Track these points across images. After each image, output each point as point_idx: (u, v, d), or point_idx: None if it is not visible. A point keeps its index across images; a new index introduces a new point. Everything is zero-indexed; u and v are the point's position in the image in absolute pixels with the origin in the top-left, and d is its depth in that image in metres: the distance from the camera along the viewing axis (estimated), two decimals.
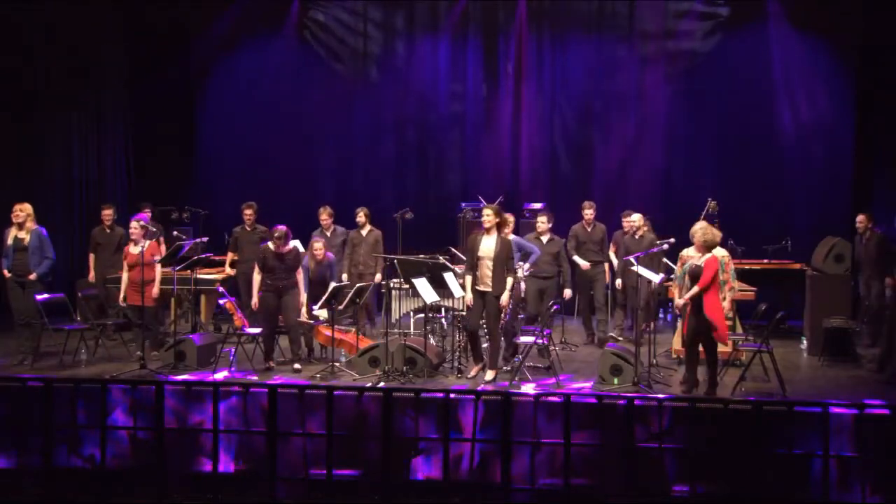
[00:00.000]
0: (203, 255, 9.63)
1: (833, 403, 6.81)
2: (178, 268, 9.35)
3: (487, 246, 8.29)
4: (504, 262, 8.25)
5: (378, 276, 10.31)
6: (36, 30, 12.16)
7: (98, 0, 12.71)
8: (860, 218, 10.23)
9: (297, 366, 8.85)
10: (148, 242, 9.15)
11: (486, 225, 8.32)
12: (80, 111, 12.89)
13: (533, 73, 13.49)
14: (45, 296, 9.09)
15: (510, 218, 9.40)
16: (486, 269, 8.26)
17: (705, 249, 7.90)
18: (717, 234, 8.04)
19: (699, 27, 13.14)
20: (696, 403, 7.00)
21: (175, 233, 10.31)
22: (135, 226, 9.20)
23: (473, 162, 13.75)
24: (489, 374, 8.39)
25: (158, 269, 9.28)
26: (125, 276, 9.23)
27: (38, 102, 12.36)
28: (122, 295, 9.27)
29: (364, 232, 10.48)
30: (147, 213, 10.50)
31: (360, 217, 10.51)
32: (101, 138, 13.14)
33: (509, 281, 8.28)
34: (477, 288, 8.33)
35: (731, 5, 13.01)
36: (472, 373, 8.51)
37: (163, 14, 13.18)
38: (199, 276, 9.87)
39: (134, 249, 9.17)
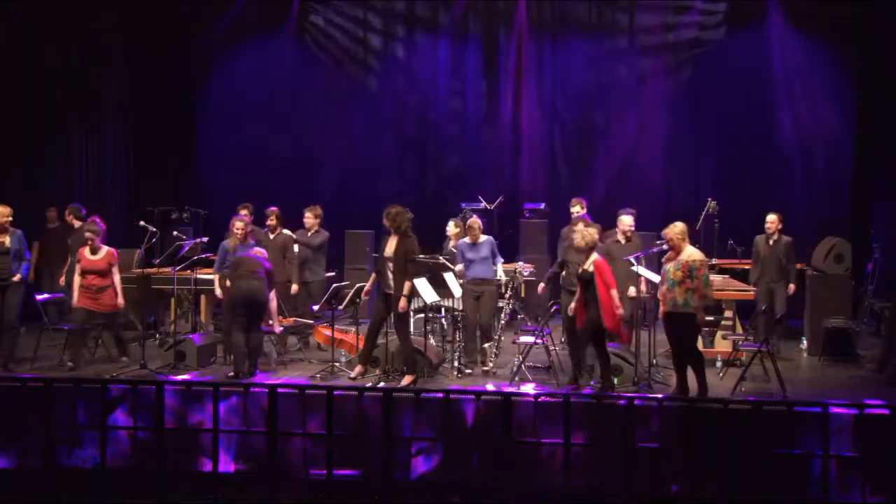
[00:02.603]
0: (203, 255, 9.62)
1: (833, 403, 6.81)
2: (178, 268, 9.36)
3: (389, 248, 8.33)
4: (402, 263, 8.20)
5: (294, 287, 9.78)
6: (36, 30, 12.16)
7: (98, 1, 12.71)
8: (771, 218, 9.78)
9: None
10: (106, 248, 8.97)
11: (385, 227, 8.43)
12: (80, 111, 12.90)
13: (533, 73, 13.50)
14: (45, 296, 9.08)
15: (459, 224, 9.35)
16: (388, 270, 8.29)
17: (589, 251, 7.90)
18: (594, 234, 8.03)
19: (699, 26, 13.15)
20: (696, 403, 7.00)
21: (175, 233, 10.31)
22: (90, 235, 8.92)
23: (473, 162, 13.77)
24: (405, 380, 8.27)
25: (118, 276, 9.04)
26: (78, 279, 8.90)
27: (39, 103, 12.37)
28: (75, 298, 8.91)
29: (272, 236, 9.88)
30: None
31: (271, 220, 9.90)
32: (101, 138, 13.16)
33: (407, 285, 8.20)
34: (383, 290, 8.37)
35: (731, 5, 13.02)
36: (353, 373, 8.36)
37: (163, 14, 13.18)
38: (199, 276, 9.86)
39: (90, 255, 8.92)
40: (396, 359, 8.64)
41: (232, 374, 8.48)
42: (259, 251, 8.96)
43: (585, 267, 7.91)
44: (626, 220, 9.21)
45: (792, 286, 9.71)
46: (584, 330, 7.98)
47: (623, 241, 9.19)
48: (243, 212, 10.14)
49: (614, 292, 7.83)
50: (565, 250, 8.84)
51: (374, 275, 8.69)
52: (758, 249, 9.87)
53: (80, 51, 12.76)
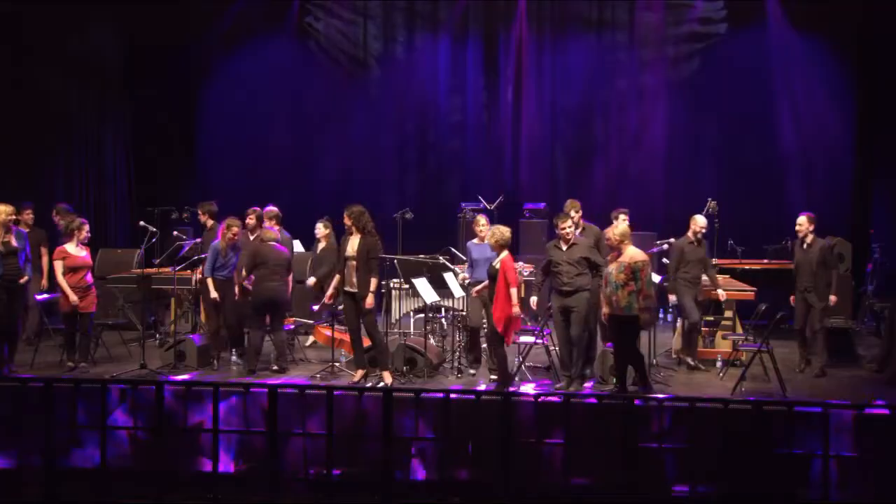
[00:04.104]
0: (203, 255, 9.61)
1: (833, 404, 6.80)
2: (178, 268, 9.35)
3: (352, 247, 8.33)
4: (365, 262, 8.23)
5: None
6: (37, 30, 12.16)
7: (99, 1, 12.72)
8: (800, 221, 9.00)
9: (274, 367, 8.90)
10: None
11: (346, 226, 8.43)
12: (81, 111, 12.90)
13: (533, 73, 13.51)
14: (45, 296, 9.05)
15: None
16: (352, 269, 8.30)
17: (500, 249, 7.99)
18: (504, 232, 8.08)
19: (699, 26, 13.16)
20: (697, 403, 6.99)
21: (175, 233, 10.30)
22: (87, 228, 8.76)
23: (473, 162, 13.77)
24: (387, 377, 8.29)
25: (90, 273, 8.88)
26: (62, 279, 8.57)
27: (39, 103, 12.36)
28: (72, 299, 8.57)
29: (252, 237, 9.60)
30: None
31: (251, 219, 9.60)
32: (102, 138, 13.16)
33: (373, 282, 8.23)
34: (346, 289, 8.37)
35: (731, 6, 13.02)
36: (356, 378, 8.38)
37: (163, 15, 13.18)
38: (198, 276, 9.85)
39: (78, 251, 8.70)
40: (396, 358, 8.65)
41: (247, 370, 8.66)
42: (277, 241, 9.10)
43: (494, 264, 7.98)
44: (700, 221, 9.04)
45: (832, 297, 8.84)
46: (491, 327, 8.06)
47: (696, 243, 9.02)
48: (272, 224, 9.85)
49: (514, 291, 7.85)
50: (549, 249, 8.41)
51: (336, 276, 8.58)
52: (794, 255, 9.24)
53: (80, 51, 12.75)
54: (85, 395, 7.12)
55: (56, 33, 12.37)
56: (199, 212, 9.98)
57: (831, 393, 8.01)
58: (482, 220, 9.00)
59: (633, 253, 7.68)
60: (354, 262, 8.27)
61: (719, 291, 9.04)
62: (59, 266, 8.64)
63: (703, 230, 9.08)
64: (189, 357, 8.92)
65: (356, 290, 8.27)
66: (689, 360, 9.08)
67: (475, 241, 8.94)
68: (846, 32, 12.42)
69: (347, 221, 8.39)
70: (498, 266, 7.92)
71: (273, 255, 8.81)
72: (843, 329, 9.56)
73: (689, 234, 9.08)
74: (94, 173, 13.05)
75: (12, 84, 12.03)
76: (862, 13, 12.16)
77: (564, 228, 8.18)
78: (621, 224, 9.00)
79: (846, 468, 6.77)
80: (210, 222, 9.81)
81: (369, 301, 8.21)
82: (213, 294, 8.92)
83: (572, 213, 8.59)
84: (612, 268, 7.72)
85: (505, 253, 7.99)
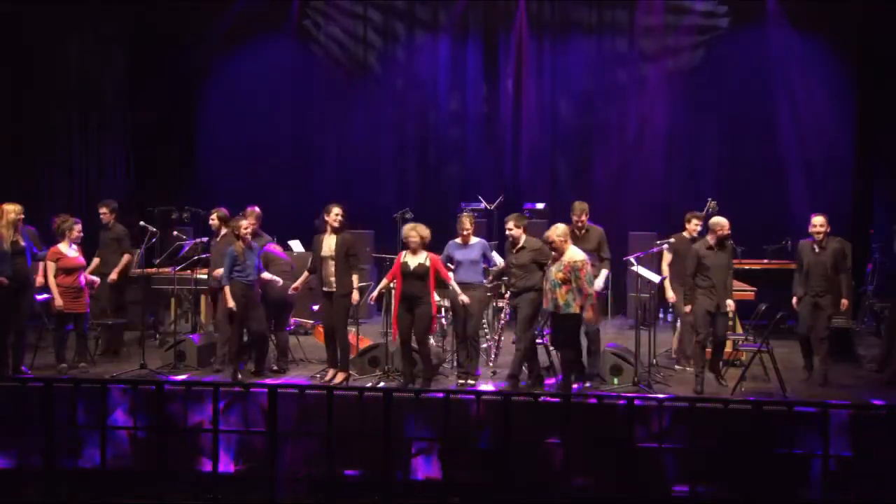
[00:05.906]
0: (203, 255, 9.62)
1: (833, 404, 6.80)
2: (178, 268, 9.35)
3: (328, 246, 8.31)
4: (345, 259, 8.23)
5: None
6: (37, 30, 12.17)
7: (99, 0, 12.72)
8: (820, 221, 8.50)
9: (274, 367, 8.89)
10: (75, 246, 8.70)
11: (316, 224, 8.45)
12: (81, 111, 12.91)
13: (533, 73, 13.51)
14: (46, 296, 9.04)
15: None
16: (330, 268, 8.27)
17: (424, 248, 8.11)
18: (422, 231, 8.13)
19: (699, 27, 13.16)
20: (697, 403, 7.00)
21: (175, 233, 10.30)
22: (79, 227, 8.71)
23: (473, 162, 13.77)
24: (339, 377, 8.31)
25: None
26: (53, 280, 8.48)
27: (39, 102, 12.37)
28: (58, 303, 8.53)
29: (217, 238, 9.32)
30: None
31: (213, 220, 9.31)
32: (102, 138, 13.18)
33: (355, 279, 8.25)
34: (324, 289, 8.35)
35: (730, 5, 13.03)
36: (329, 376, 8.39)
37: (164, 14, 13.19)
38: (199, 276, 9.86)
39: (70, 251, 8.67)
40: (397, 358, 8.65)
41: (254, 370, 8.64)
42: (277, 247, 9.13)
43: (424, 262, 8.03)
44: (724, 223, 8.35)
45: (844, 301, 8.53)
46: (419, 327, 8.04)
47: (716, 248, 8.31)
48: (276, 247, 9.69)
49: (453, 284, 8.13)
50: (508, 252, 8.32)
51: (306, 273, 8.56)
52: (801, 257, 8.65)
53: (80, 51, 12.76)
54: (85, 395, 7.12)
55: (56, 33, 12.37)
56: (103, 209, 9.69)
57: (831, 393, 8.01)
58: (467, 220, 8.49)
59: (572, 253, 7.73)
60: (333, 262, 8.26)
61: (728, 301, 8.37)
62: (51, 267, 8.56)
63: (725, 233, 8.35)
64: (189, 357, 8.92)
65: (334, 290, 8.27)
66: (720, 379, 8.36)
67: (458, 241, 8.51)
68: (846, 32, 12.42)
69: (327, 219, 8.33)
70: (428, 264, 8.03)
71: (275, 258, 8.91)
72: (843, 329, 9.55)
73: (709, 237, 8.40)
74: (95, 173, 13.06)
75: (12, 84, 12.04)
76: (862, 13, 12.14)
77: (510, 230, 8.21)
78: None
79: (846, 468, 6.77)
80: (111, 221, 9.63)
81: (355, 297, 8.22)
82: (231, 303, 8.31)
83: (573, 218, 8.47)
84: (552, 267, 7.77)
85: (425, 251, 8.13)
